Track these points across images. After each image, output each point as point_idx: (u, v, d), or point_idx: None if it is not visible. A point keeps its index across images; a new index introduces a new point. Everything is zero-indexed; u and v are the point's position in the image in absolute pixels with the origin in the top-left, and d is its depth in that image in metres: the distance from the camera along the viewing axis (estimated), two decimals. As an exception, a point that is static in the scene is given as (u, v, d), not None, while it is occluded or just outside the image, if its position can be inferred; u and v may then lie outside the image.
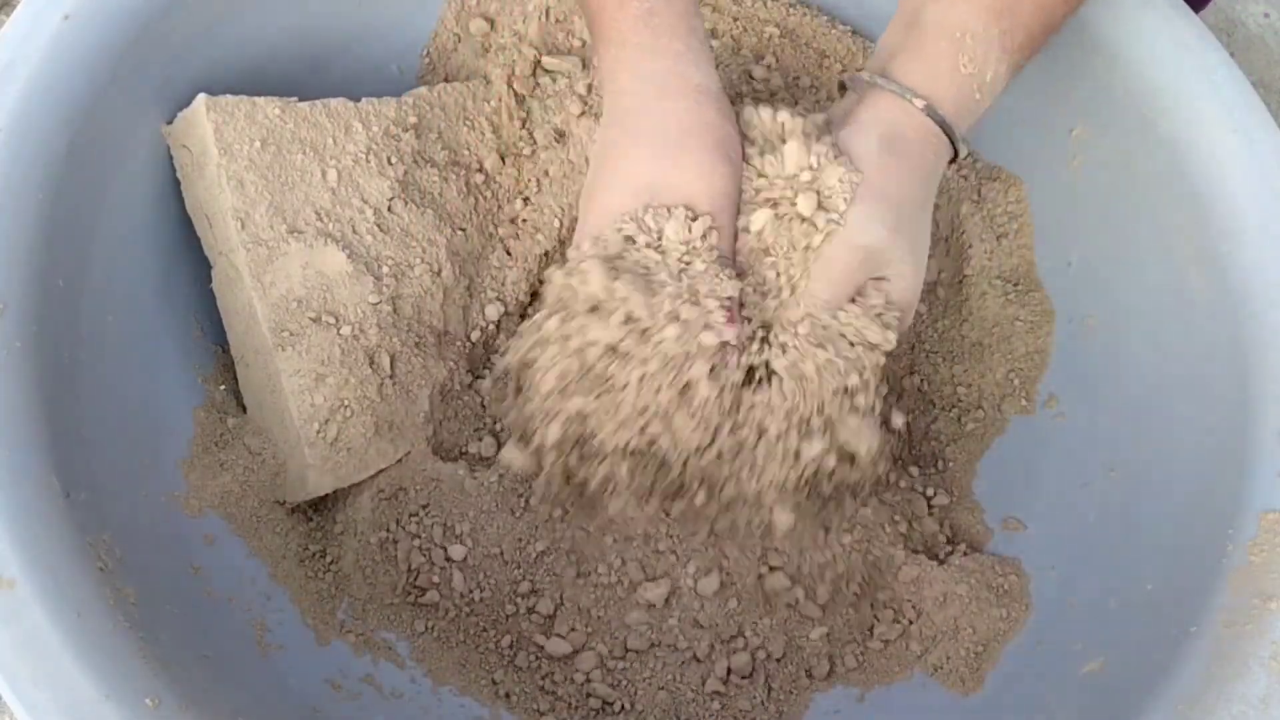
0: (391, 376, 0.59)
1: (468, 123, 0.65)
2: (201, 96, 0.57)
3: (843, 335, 0.53)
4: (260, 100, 0.58)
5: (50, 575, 0.45)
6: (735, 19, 0.71)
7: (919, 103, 0.53)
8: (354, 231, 0.60)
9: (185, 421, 0.58)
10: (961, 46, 0.54)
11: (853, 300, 0.53)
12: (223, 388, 0.61)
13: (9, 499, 0.46)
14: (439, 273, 0.62)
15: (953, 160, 0.56)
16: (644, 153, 0.53)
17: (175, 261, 0.60)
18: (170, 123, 0.59)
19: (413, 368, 0.60)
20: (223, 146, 0.57)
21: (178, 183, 0.59)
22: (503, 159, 0.66)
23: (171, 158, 0.59)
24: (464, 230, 0.64)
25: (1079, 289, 0.68)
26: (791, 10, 0.71)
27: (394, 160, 0.62)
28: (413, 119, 0.63)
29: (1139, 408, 0.63)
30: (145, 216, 0.59)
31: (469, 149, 0.65)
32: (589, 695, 0.58)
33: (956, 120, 0.54)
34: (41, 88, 0.52)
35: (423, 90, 0.64)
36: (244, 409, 0.61)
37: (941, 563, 0.62)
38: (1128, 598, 0.58)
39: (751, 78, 0.67)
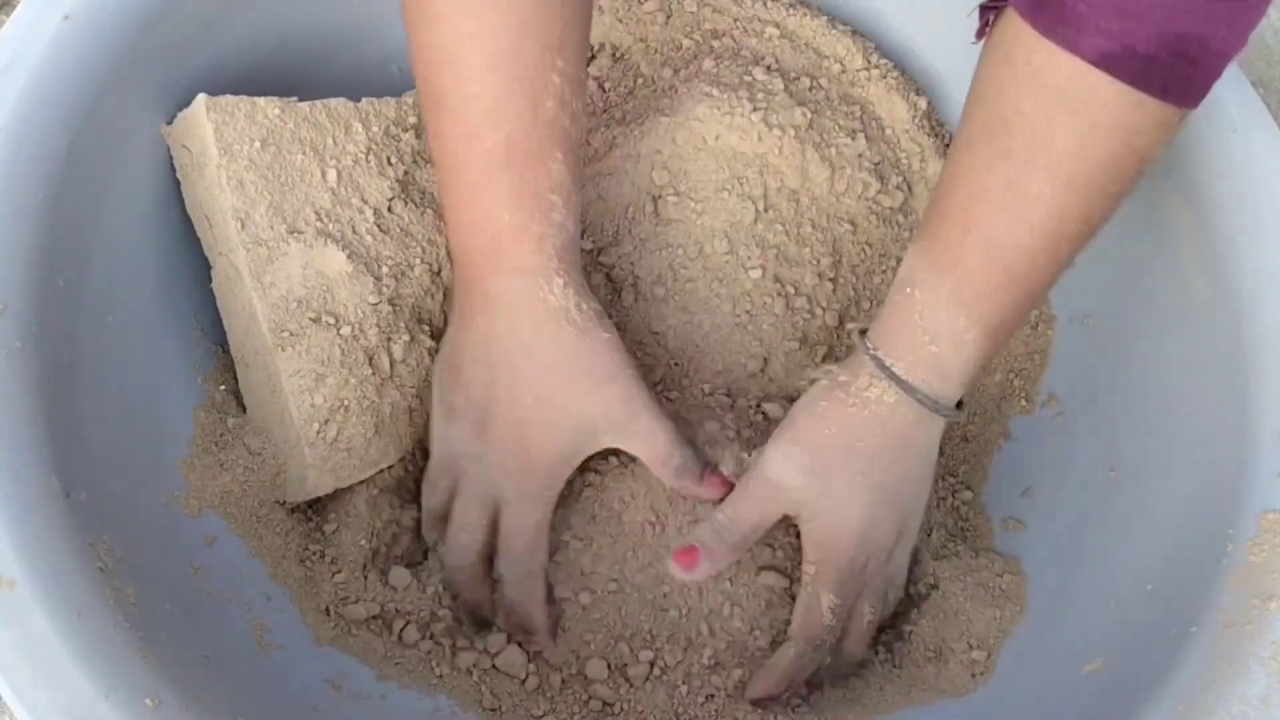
0: (391, 377, 0.59)
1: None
2: (201, 96, 0.57)
3: None
4: (260, 100, 0.58)
5: (50, 575, 0.45)
6: (735, 20, 0.71)
7: (866, 353, 0.55)
8: (354, 231, 0.60)
9: (185, 421, 0.58)
10: (910, 301, 0.54)
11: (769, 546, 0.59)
12: (223, 388, 0.61)
13: (9, 499, 0.46)
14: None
15: (959, 406, 0.56)
16: (587, 392, 0.55)
17: (175, 261, 0.60)
18: (170, 123, 0.59)
19: (413, 368, 0.60)
20: (223, 146, 0.56)
21: (178, 183, 0.59)
22: None
23: (171, 158, 0.59)
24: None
25: (1079, 289, 0.68)
26: (791, 11, 0.71)
27: (394, 160, 0.62)
28: (413, 119, 0.63)
29: (1139, 408, 0.63)
30: (145, 216, 0.59)
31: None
32: (589, 699, 0.58)
33: (911, 374, 0.54)
34: (41, 88, 0.52)
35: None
36: (244, 409, 0.61)
37: (941, 562, 0.62)
38: (1128, 598, 0.58)
39: (752, 79, 0.67)
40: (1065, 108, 0.48)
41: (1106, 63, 0.47)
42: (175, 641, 0.49)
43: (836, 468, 0.56)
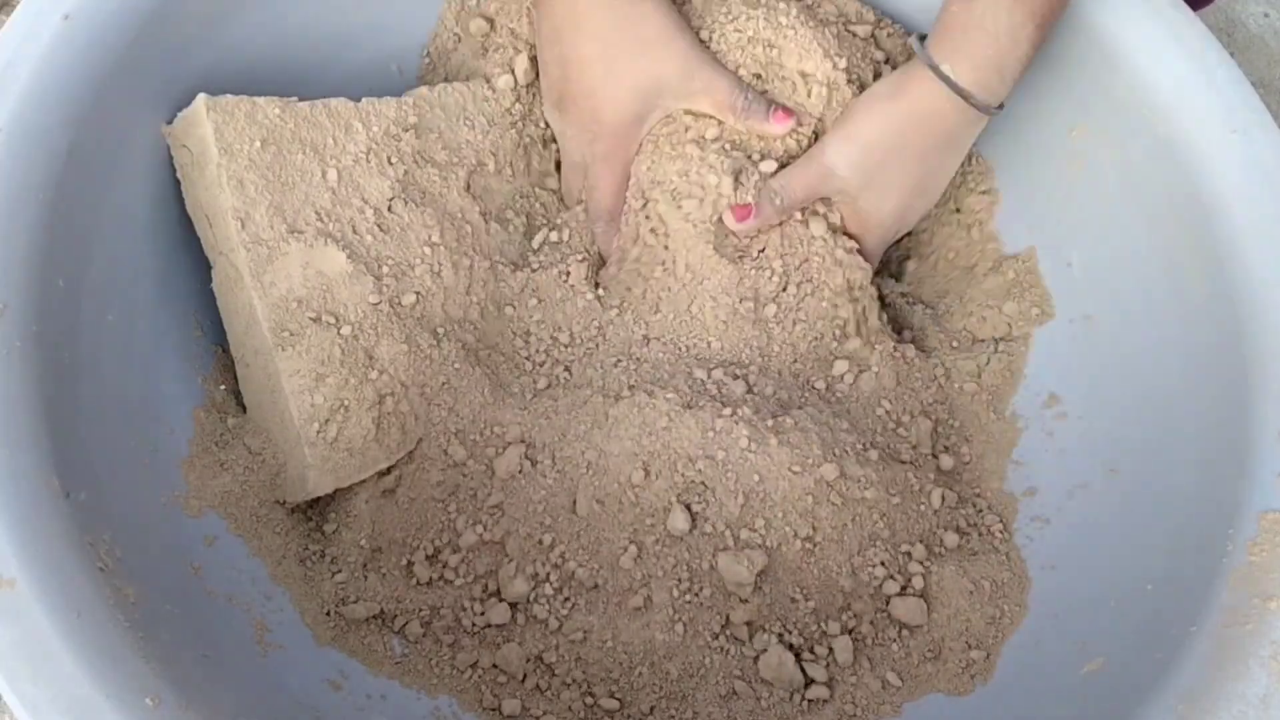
0: (392, 377, 0.59)
1: (468, 123, 0.65)
2: (201, 96, 0.57)
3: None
4: (260, 100, 0.58)
5: (50, 575, 0.45)
6: None
7: (924, 59, 0.60)
8: (354, 231, 0.60)
9: (185, 421, 0.58)
10: (970, 5, 0.59)
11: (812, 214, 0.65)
12: (223, 388, 0.61)
13: (9, 499, 0.46)
14: (439, 273, 0.62)
15: (999, 107, 0.61)
16: (642, 59, 0.62)
17: (175, 261, 0.60)
18: (170, 123, 0.59)
19: (413, 368, 0.60)
20: (223, 146, 0.57)
21: (178, 183, 0.59)
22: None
23: (171, 158, 0.59)
24: (465, 230, 0.64)
25: (1079, 289, 0.68)
26: None
27: (394, 160, 0.62)
28: (413, 119, 0.63)
29: (1139, 408, 0.63)
30: (145, 216, 0.59)
31: (469, 149, 0.65)
32: (594, 703, 0.58)
33: (971, 78, 0.59)
34: (41, 88, 0.52)
35: (423, 90, 0.64)
36: (244, 409, 0.61)
37: (942, 561, 0.62)
38: (1128, 598, 0.58)
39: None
40: None
41: None
42: (175, 641, 0.49)
43: (883, 165, 0.63)
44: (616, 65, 0.61)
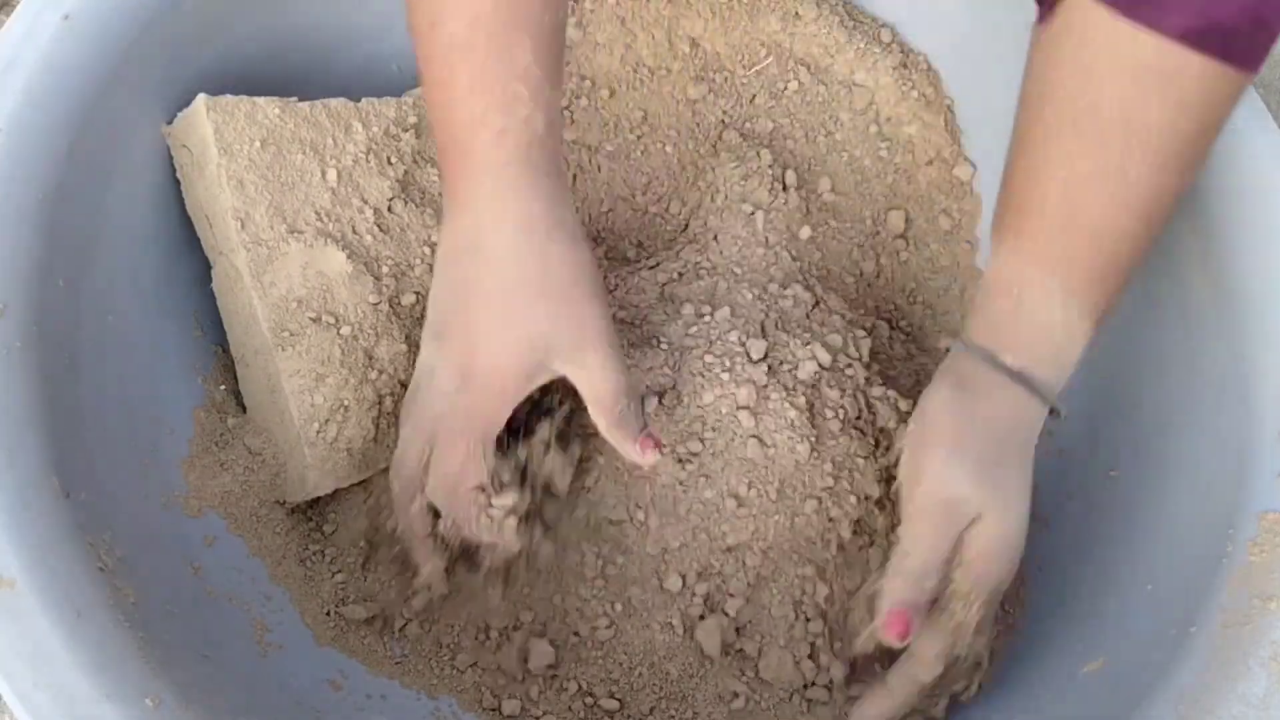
0: (392, 377, 0.59)
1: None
2: (201, 96, 0.57)
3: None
4: (260, 100, 0.58)
5: (50, 575, 0.45)
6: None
7: (982, 356, 0.53)
8: (354, 231, 0.60)
9: (185, 421, 0.58)
10: (1019, 302, 0.53)
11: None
12: (223, 388, 0.61)
13: (9, 499, 0.45)
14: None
15: (1052, 413, 0.55)
16: (539, 305, 0.51)
17: (175, 261, 0.60)
18: (170, 123, 0.59)
19: (413, 368, 0.60)
20: (223, 146, 0.56)
21: (178, 183, 0.59)
22: None
23: (171, 158, 0.59)
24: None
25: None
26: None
27: (394, 160, 0.62)
28: (413, 119, 0.63)
29: (1139, 408, 0.63)
30: (145, 216, 0.59)
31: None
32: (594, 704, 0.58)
33: (1032, 370, 0.53)
34: (41, 88, 0.52)
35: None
36: (244, 409, 0.61)
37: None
38: (1128, 598, 0.58)
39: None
40: (1155, 87, 0.48)
41: (1191, 38, 0.47)
42: (175, 641, 0.49)
43: (1002, 469, 0.53)
44: (506, 312, 0.50)
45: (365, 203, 0.60)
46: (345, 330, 0.58)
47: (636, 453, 0.53)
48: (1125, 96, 0.49)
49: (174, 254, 0.60)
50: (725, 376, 0.58)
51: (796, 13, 0.71)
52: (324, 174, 0.59)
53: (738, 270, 0.65)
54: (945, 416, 0.54)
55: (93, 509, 0.49)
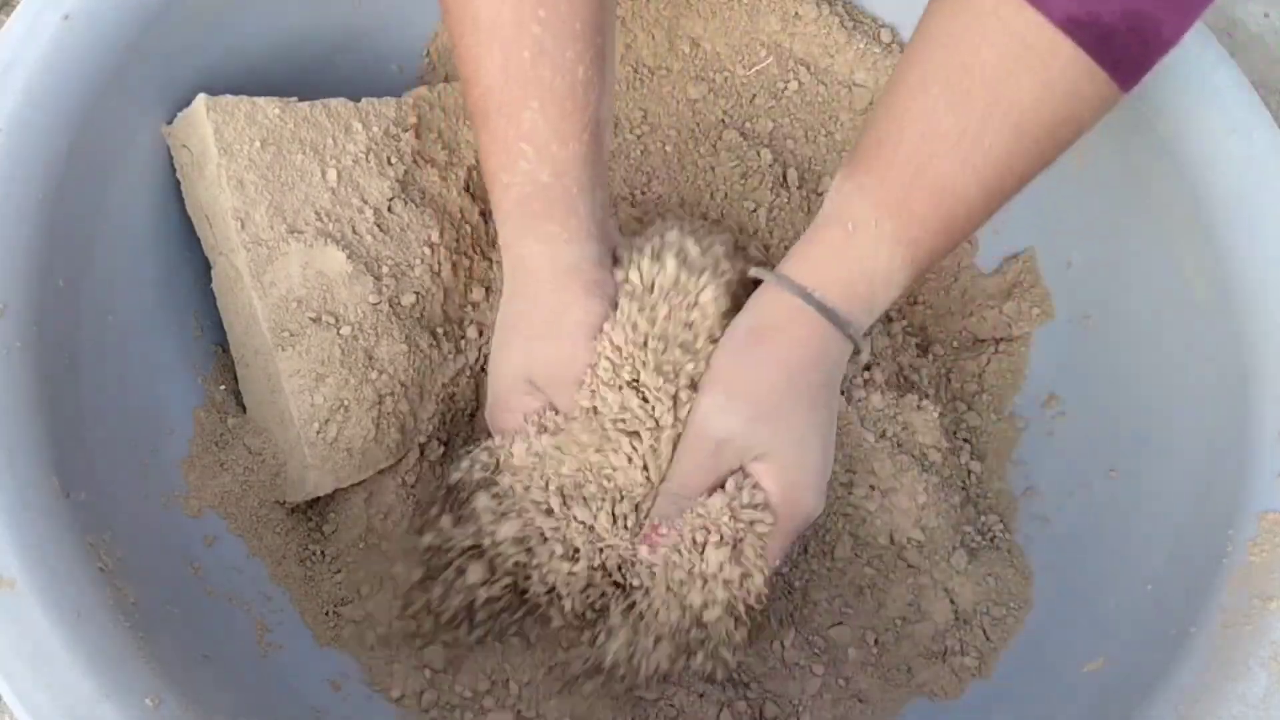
0: (392, 377, 0.59)
1: (468, 122, 0.65)
2: (201, 96, 0.57)
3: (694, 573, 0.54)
4: (260, 100, 0.58)
5: (50, 575, 0.45)
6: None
7: (793, 290, 0.53)
8: (354, 231, 0.60)
9: (185, 421, 0.58)
10: (850, 237, 0.53)
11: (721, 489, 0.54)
12: (223, 388, 0.61)
13: (9, 499, 0.46)
14: (439, 273, 0.62)
15: (856, 352, 0.55)
16: (519, 340, 0.56)
17: (175, 261, 0.60)
18: (170, 123, 0.59)
19: (413, 369, 0.60)
20: (223, 146, 0.57)
21: (178, 183, 0.59)
22: None
23: (171, 158, 0.59)
24: (465, 230, 0.64)
25: (1079, 289, 0.68)
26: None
27: (394, 160, 0.62)
28: (413, 119, 0.63)
29: (1139, 408, 0.63)
30: (145, 216, 0.59)
31: (469, 149, 0.65)
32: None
33: (845, 309, 0.53)
34: (41, 88, 0.52)
35: (423, 90, 0.64)
36: (244, 409, 0.61)
37: (943, 561, 0.62)
38: (1128, 598, 0.58)
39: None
40: (1026, 62, 0.49)
41: (1070, 26, 0.47)
42: (175, 641, 0.49)
43: (783, 409, 0.53)
44: (507, 342, 0.56)
45: (365, 203, 0.60)
46: (345, 330, 0.58)
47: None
48: (999, 65, 0.49)
49: (174, 254, 0.60)
50: None
51: (796, 13, 0.71)
52: (324, 174, 0.59)
53: None
54: (728, 359, 0.54)
55: (93, 509, 0.49)
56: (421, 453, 0.61)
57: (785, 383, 0.53)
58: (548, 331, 0.55)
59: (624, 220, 0.69)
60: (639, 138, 0.71)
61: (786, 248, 0.67)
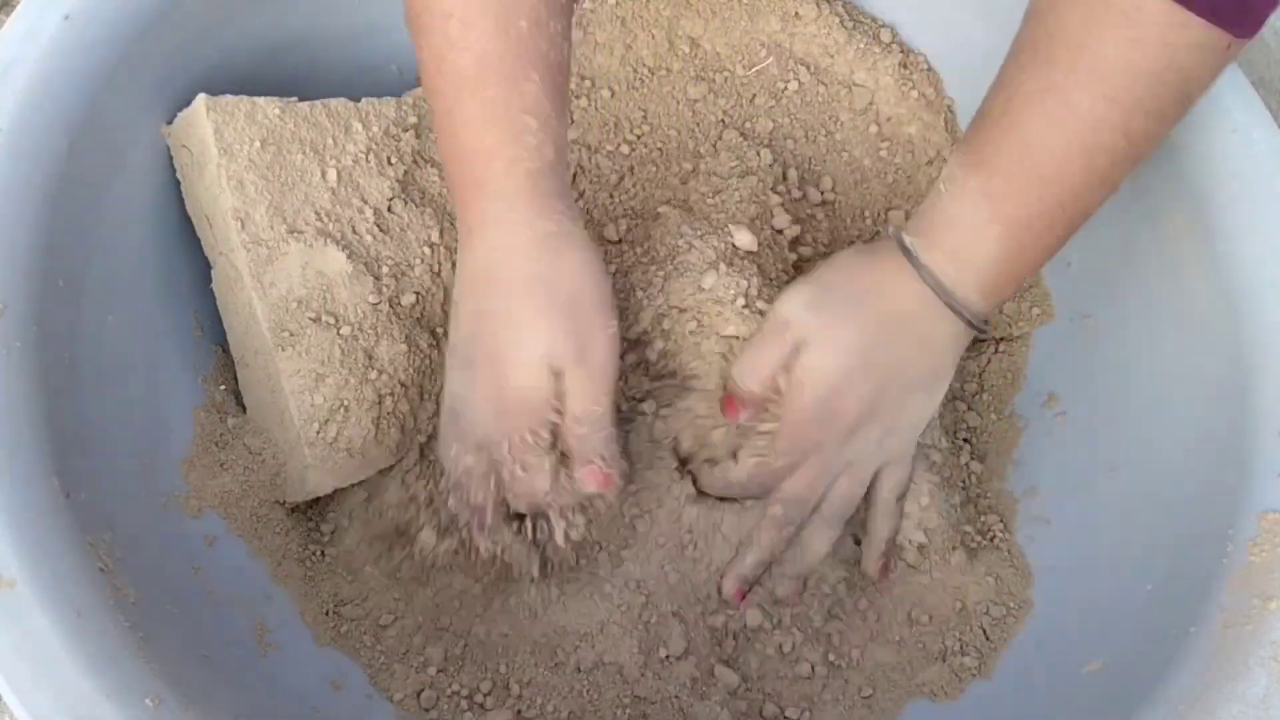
0: (392, 377, 0.59)
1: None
2: (201, 96, 0.57)
3: None
4: (260, 100, 0.58)
5: (50, 575, 0.45)
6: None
7: (889, 232, 0.57)
8: (354, 231, 0.60)
9: (185, 421, 0.58)
10: (940, 194, 0.55)
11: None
12: (223, 388, 0.61)
13: (9, 499, 0.45)
14: (439, 273, 0.62)
15: (983, 324, 0.56)
16: (545, 318, 0.52)
17: (175, 261, 0.60)
18: (170, 123, 0.59)
19: (413, 369, 0.60)
20: (223, 147, 0.57)
21: (178, 183, 0.59)
22: None
23: (171, 158, 0.59)
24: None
25: (1079, 289, 0.68)
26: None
27: (394, 160, 0.62)
28: (413, 119, 0.63)
29: (1139, 407, 0.63)
30: (145, 216, 0.59)
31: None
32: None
33: (926, 252, 0.55)
34: (41, 88, 0.52)
35: (423, 90, 0.64)
36: (244, 409, 0.61)
37: (943, 561, 0.62)
38: (1128, 598, 0.58)
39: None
40: (1110, 20, 0.49)
41: None
42: (175, 641, 0.49)
43: (837, 310, 0.56)
44: (525, 329, 0.52)
45: (365, 203, 0.60)
46: (345, 330, 0.58)
47: (581, 478, 0.55)
48: (1081, 25, 0.50)
49: (174, 254, 0.60)
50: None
51: (796, 13, 0.71)
52: (324, 174, 0.59)
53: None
54: (824, 262, 0.59)
55: (93, 509, 0.49)
56: (421, 453, 0.61)
57: (858, 294, 0.56)
58: (574, 308, 0.53)
59: (624, 220, 0.69)
60: (639, 138, 0.71)
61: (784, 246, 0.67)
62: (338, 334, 0.58)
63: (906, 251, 0.55)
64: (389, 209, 0.61)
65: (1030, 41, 0.52)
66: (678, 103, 0.72)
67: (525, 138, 0.51)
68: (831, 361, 0.56)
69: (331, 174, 0.59)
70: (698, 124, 0.72)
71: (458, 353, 0.55)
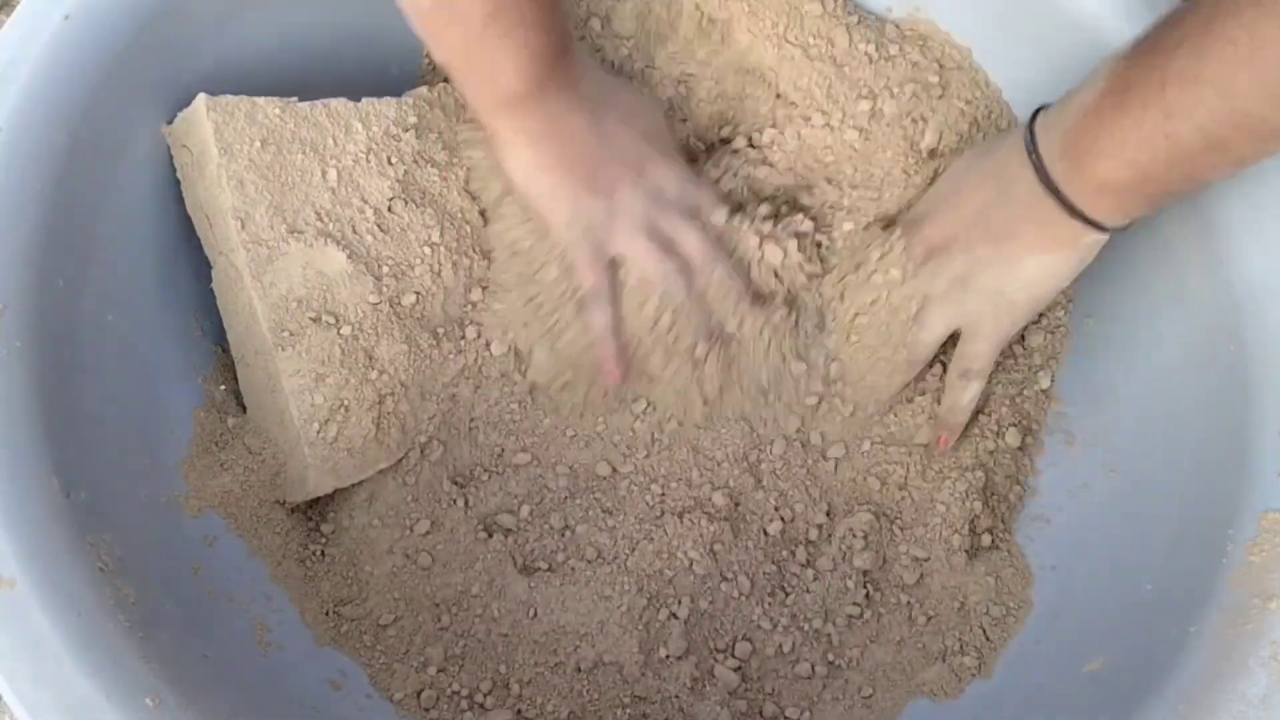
0: (392, 377, 0.59)
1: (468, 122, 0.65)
2: (201, 96, 0.57)
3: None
4: (260, 100, 0.58)
5: (50, 575, 0.45)
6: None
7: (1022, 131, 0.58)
8: (354, 231, 0.60)
9: (185, 421, 0.58)
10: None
11: None
12: (223, 388, 0.61)
13: (9, 499, 0.46)
14: (439, 273, 0.62)
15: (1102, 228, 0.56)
16: (640, 93, 0.64)
17: (175, 261, 0.60)
18: (170, 123, 0.59)
19: (413, 368, 0.60)
20: (223, 146, 0.57)
21: (178, 183, 0.59)
22: None
23: (171, 158, 0.59)
24: (465, 230, 0.64)
25: (1079, 289, 0.68)
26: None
27: (394, 160, 0.62)
28: (413, 119, 0.63)
29: (1139, 408, 0.63)
30: (145, 216, 0.59)
31: (469, 149, 0.65)
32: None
33: (1040, 125, 0.57)
34: (41, 88, 0.52)
35: (423, 90, 0.64)
36: (244, 409, 0.61)
37: (943, 561, 0.62)
38: (1128, 598, 0.58)
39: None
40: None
41: None
42: (175, 641, 0.49)
43: (952, 190, 0.62)
44: (656, 124, 0.64)
45: (365, 203, 0.60)
46: (345, 330, 0.58)
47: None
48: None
49: (174, 254, 0.60)
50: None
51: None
52: (324, 174, 0.59)
53: None
54: (948, 184, 0.64)
55: (93, 509, 0.49)
56: (422, 452, 0.61)
57: (964, 170, 0.62)
58: (663, 148, 0.63)
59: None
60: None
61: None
62: (338, 334, 0.58)
63: (1031, 150, 0.56)
64: (389, 209, 0.61)
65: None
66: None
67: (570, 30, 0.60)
68: (942, 229, 0.61)
69: (332, 174, 0.59)
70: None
71: (595, 194, 0.60)
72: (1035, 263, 0.58)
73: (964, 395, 0.63)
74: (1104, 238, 0.56)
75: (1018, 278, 0.59)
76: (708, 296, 0.62)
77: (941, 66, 0.68)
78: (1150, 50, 0.51)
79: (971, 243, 0.60)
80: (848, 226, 0.66)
